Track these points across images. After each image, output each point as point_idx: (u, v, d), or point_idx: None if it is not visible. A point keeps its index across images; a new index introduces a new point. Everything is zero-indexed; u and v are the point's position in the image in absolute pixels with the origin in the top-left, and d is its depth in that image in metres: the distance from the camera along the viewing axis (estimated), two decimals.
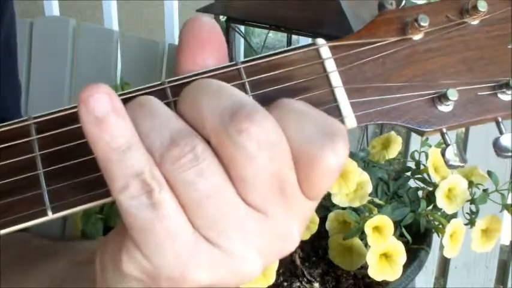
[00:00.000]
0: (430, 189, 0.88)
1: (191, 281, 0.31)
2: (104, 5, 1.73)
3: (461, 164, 0.36)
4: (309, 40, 1.80)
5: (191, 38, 0.35)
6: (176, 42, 1.65)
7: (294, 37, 1.70)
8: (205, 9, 1.45)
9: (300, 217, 0.33)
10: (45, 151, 0.34)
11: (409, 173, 0.92)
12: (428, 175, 0.88)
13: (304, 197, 0.32)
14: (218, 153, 0.31)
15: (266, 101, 0.34)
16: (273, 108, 0.32)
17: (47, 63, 1.58)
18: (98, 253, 0.36)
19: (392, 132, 0.96)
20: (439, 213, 0.87)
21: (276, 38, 3.13)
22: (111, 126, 0.30)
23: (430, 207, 0.88)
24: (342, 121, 0.35)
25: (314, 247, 0.89)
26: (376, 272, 0.78)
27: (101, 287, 0.35)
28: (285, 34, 1.65)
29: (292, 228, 0.33)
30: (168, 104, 0.34)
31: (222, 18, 1.48)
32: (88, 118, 0.30)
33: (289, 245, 0.33)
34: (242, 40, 1.60)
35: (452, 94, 0.36)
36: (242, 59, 0.41)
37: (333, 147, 0.30)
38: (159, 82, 0.35)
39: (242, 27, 1.57)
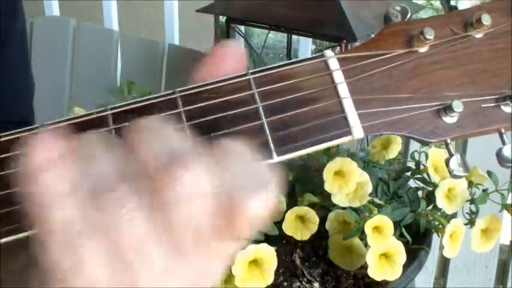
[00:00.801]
0: (430, 189, 0.89)
1: None
2: (104, 5, 1.73)
3: (465, 174, 0.36)
4: (309, 40, 1.80)
5: (220, 60, 0.36)
6: (176, 42, 1.65)
7: (294, 37, 1.70)
8: (205, 9, 1.45)
9: (223, 257, 0.34)
10: None
11: (409, 173, 0.92)
12: (428, 175, 0.89)
13: (229, 240, 0.32)
14: (154, 195, 0.31)
15: (275, 111, 0.35)
16: (210, 151, 0.32)
17: (47, 63, 1.58)
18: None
19: None
20: (439, 213, 0.87)
21: (276, 38, 3.13)
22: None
23: (430, 207, 0.88)
24: (349, 132, 0.36)
25: (314, 247, 0.89)
26: (376, 272, 0.78)
27: None
28: (285, 34, 1.65)
29: (214, 268, 0.33)
30: (178, 114, 0.35)
31: (222, 18, 1.48)
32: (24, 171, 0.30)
33: (208, 284, 0.34)
34: (242, 40, 1.60)
35: (458, 106, 0.36)
36: None
37: (260, 197, 0.31)
38: (171, 91, 0.36)
39: (242, 27, 1.57)
